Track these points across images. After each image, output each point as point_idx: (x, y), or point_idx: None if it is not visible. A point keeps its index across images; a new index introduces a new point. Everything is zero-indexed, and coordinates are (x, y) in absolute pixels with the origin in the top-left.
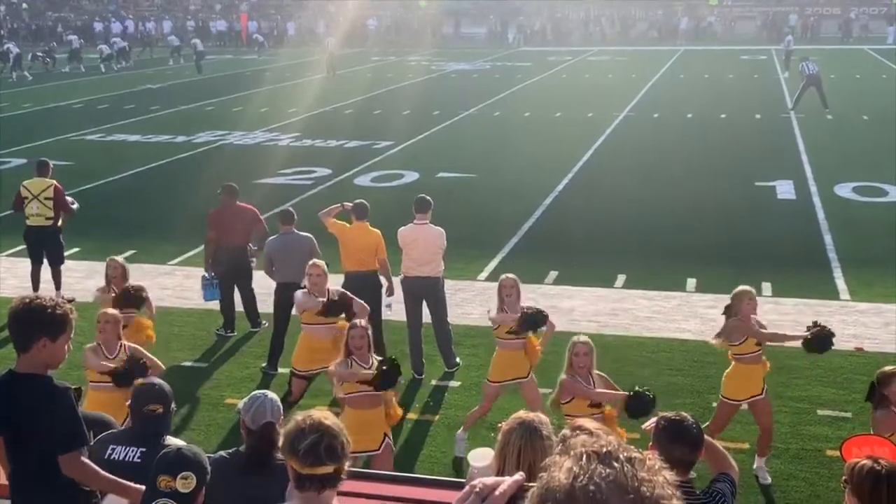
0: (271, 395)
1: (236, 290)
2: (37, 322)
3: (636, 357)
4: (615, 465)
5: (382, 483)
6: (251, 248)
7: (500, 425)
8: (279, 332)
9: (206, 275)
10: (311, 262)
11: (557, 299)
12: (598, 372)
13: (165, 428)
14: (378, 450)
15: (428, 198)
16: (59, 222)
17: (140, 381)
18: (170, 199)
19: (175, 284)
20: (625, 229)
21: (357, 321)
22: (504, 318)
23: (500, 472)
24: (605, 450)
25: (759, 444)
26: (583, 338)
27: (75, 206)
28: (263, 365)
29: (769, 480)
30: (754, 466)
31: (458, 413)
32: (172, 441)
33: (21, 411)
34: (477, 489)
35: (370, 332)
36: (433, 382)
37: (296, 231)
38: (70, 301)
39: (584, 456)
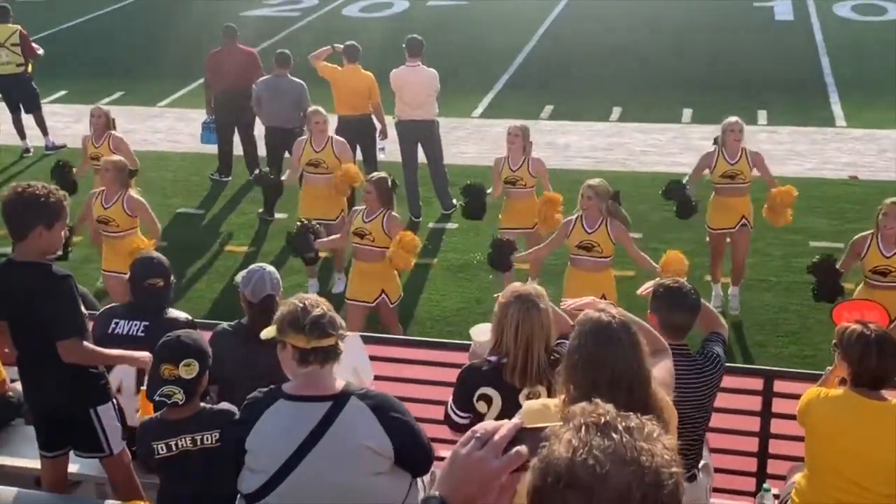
0: (269, 268)
1: (236, 135)
2: (32, 211)
3: (632, 193)
4: (614, 436)
5: (383, 346)
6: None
7: (496, 297)
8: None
9: (207, 118)
10: (312, 109)
11: (553, 135)
12: (616, 225)
13: (166, 301)
14: (371, 303)
15: (420, 38)
16: (30, 69)
17: (139, 255)
18: (155, 35)
19: (167, 127)
20: (620, 58)
21: (374, 175)
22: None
23: (498, 343)
24: (603, 420)
25: (732, 274)
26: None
27: (41, 51)
28: (260, 210)
29: (738, 310)
30: (729, 293)
31: (457, 256)
32: (174, 313)
33: (22, 297)
34: (477, 434)
35: (382, 183)
36: (430, 225)
37: (289, 76)
38: (60, 147)
39: (583, 428)
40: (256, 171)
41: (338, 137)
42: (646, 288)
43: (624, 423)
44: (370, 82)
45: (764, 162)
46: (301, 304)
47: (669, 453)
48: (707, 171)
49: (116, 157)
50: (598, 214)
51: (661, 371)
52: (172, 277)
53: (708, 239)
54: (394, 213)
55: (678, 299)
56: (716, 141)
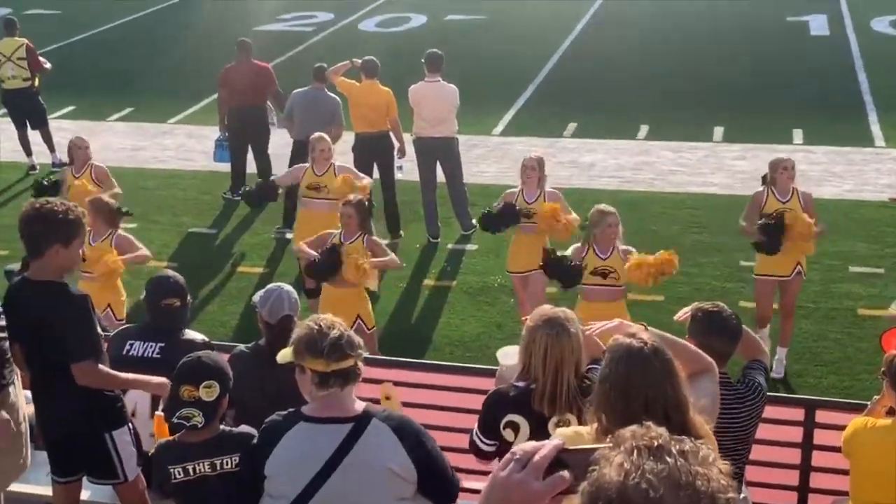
0: (287, 287)
1: (250, 152)
2: (49, 228)
3: (660, 214)
4: (668, 459)
5: (400, 369)
6: (270, 110)
7: (524, 320)
8: (293, 191)
9: (221, 135)
10: (316, 136)
11: (577, 153)
12: (625, 246)
13: (183, 321)
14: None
15: (439, 53)
16: (36, 83)
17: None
18: (167, 49)
19: (177, 144)
20: (647, 73)
21: (352, 196)
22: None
23: (526, 369)
24: (656, 443)
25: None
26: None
27: (48, 65)
28: (277, 227)
29: (782, 374)
30: (775, 357)
31: (476, 278)
32: (191, 335)
33: (36, 318)
34: (517, 456)
35: (361, 205)
36: (449, 246)
37: (326, 91)
38: (65, 165)
39: (635, 451)
40: (241, 191)
41: (342, 164)
42: (683, 313)
43: (678, 447)
44: (388, 98)
45: (812, 203)
46: (317, 327)
47: (725, 478)
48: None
49: (99, 197)
50: (614, 241)
51: (703, 396)
52: (189, 297)
53: (755, 287)
54: (373, 237)
55: (717, 324)
56: (764, 180)
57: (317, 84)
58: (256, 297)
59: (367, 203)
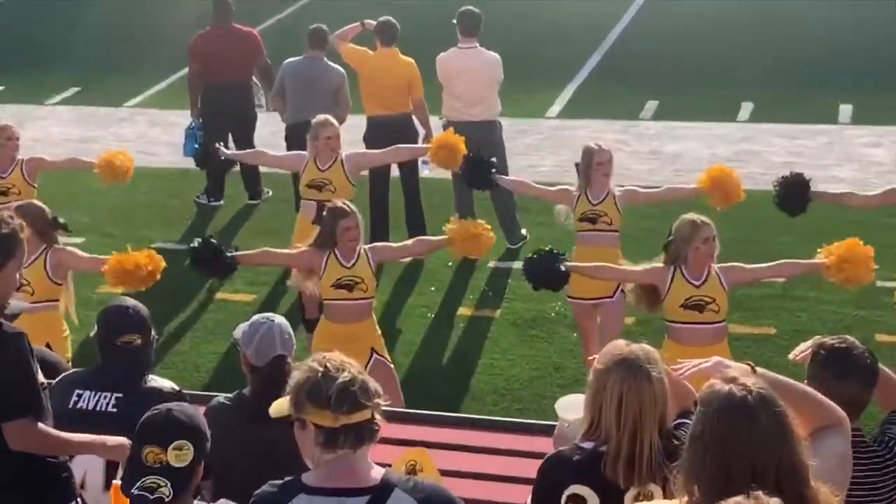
0: (279, 319)
1: (231, 143)
2: None
3: (768, 220)
4: None
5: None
6: (257, 88)
7: (590, 360)
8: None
9: (193, 122)
10: (321, 118)
11: (659, 141)
12: (721, 266)
13: (145, 363)
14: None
15: (477, 11)
16: None
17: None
18: (122, 14)
19: (137, 134)
20: (749, 37)
21: (344, 205)
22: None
23: (595, 425)
24: None
25: None
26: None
27: None
28: (197, 196)
29: None
30: None
31: (527, 306)
32: (157, 382)
33: None
34: None
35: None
36: (491, 265)
37: (326, 61)
38: None
39: None
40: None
41: (352, 153)
42: (801, 350)
43: None
44: (411, 72)
45: None
46: (321, 369)
47: None
48: None
49: (30, 203)
50: (710, 261)
51: (829, 459)
52: (153, 332)
53: None
54: (376, 244)
55: (846, 365)
56: None
57: (313, 52)
58: (239, 333)
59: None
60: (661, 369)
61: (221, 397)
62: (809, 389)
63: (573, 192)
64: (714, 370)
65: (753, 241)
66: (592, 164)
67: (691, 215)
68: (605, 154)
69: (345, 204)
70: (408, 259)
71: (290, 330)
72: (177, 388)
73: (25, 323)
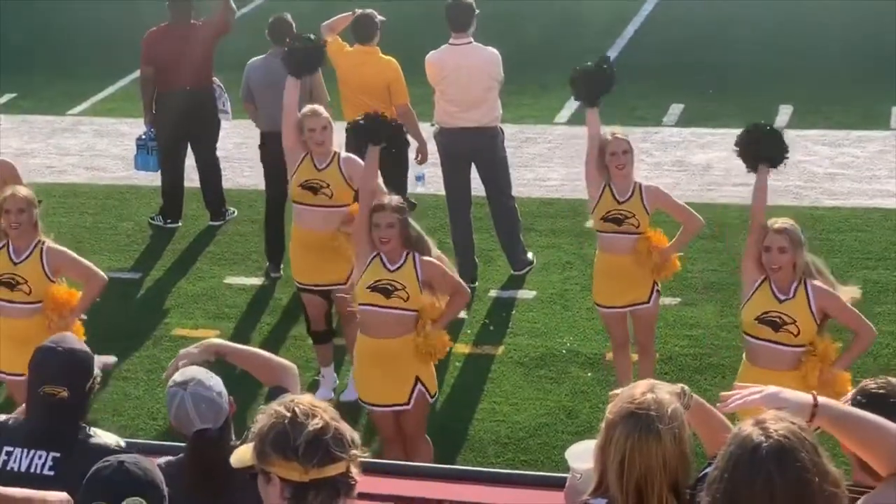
0: (192, 384)
1: (190, 155)
2: None
3: (811, 240)
4: None
5: (414, 479)
6: (220, 91)
7: (612, 395)
8: (273, 211)
9: (145, 131)
10: (307, 110)
11: (686, 149)
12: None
13: (80, 416)
14: (406, 404)
15: (470, 2)
16: None
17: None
18: (65, 9)
19: (83, 146)
20: (787, 32)
21: (385, 199)
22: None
23: (603, 482)
24: None
25: None
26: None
27: None
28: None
29: None
30: None
31: (534, 342)
32: (102, 438)
33: None
34: None
35: (404, 213)
36: (492, 293)
37: None
38: None
39: None
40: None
41: (349, 157)
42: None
43: None
44: (391, 74)
45: None
46: (289, 414)
47: None
48: None
49: (21, 189)
50: (791, 277)
51: None
52: (97, 374)
53: None
54: (431, 256)
55: (890, 411)
56: None
57: (276, 48)
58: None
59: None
60: (677, 421)
61: (172, 458)
62: (893, 426)
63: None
64: (766, 402)
65: None
66: (605, 157)
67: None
68: (620, 144)
69: (390, 199)
70: None
71: (212, 391)
72: (123, 444)
73: (21, 332)
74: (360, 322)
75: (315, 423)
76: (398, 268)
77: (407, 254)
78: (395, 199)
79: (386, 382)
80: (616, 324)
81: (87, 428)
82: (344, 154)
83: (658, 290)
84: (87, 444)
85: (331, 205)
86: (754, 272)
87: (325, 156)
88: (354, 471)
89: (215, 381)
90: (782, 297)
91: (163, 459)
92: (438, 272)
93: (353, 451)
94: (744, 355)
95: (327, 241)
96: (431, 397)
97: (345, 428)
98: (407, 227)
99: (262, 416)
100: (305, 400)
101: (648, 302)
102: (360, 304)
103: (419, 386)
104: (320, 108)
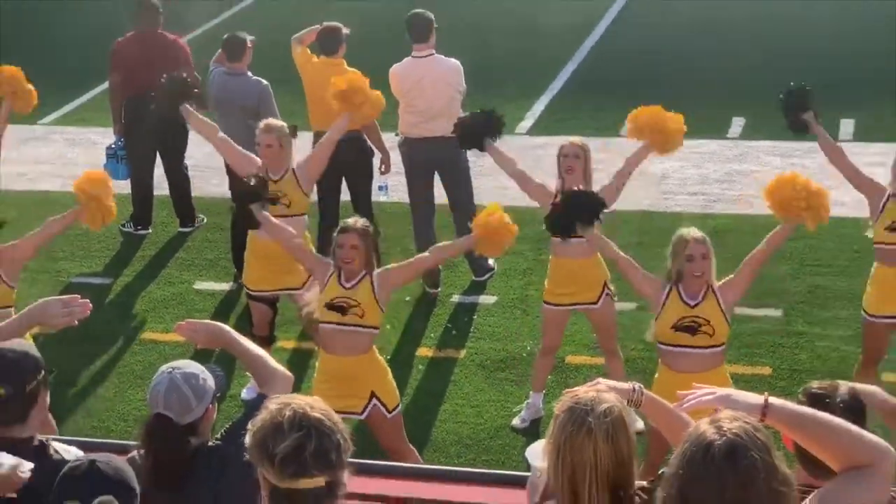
0: (182, 375)
1: (159, 164)
2: None
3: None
4: None
5: (390, 478)
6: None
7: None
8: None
9: (115, 140)
10: (262, 125)
11: (644, 161)
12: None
13: (17, 419)
14: (360, 414)
15: (428, 15)
16: None
17: None
18: (35, 13)
19: (53, 155)
20: (738, 44)
21: (350, 220)
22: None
23: (549, 478)
24: None
25: None
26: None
27: None
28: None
29: None
30: None
31: (496, 346)
32: (59, 449)
33: None
34: None
35: (368, 237)
36: (455, 299)
37: (248, 73)
38: None
39: None
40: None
41: (301, 161)
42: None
43: None
44: None
45: None
46: (278, 419)
47: None
48: (870, 222)
49: None
50: (706, 280)
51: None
52: (35, 379)
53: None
54: (387, 267)
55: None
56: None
57: (231, 65)
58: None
59: (372, 228)
60: (611, 422)
61: (136, 452)
62: (845, 424)
63: (550, 191)
64: (719, 403)
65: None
66: (558, 159)
67: (686, 231)
68: (567, 148)
69: (356, 221)
70: None
71: (191, 390)
72: (88, 458)
73: None
74: (321, 339)
75: (296, 436)
76: (354, 285)
77: (364, 273)
78: (360, 222)
79: (341, 398)
80: (553, 325)
81: (46, 440)
82: (301, 163)
83: (608, 293)
84: (49, 457)
85: (289, 214)
86: (653, 282)
87: (279, 168)
88: (341, 482)
89: (203, 384)
90: (692, 303)
91: (130, 455)
92: (394, 273)
93: (340, 468)
94: (660, 362)
95: (280, 251)
96: (390, 412)
97: (335, 441)
98: (370, 252)
99: (262, 412)
100: (301, 403)
101: (597, 303)
102: (320, 322)
103: (374, 401)
104: (275, 123)
